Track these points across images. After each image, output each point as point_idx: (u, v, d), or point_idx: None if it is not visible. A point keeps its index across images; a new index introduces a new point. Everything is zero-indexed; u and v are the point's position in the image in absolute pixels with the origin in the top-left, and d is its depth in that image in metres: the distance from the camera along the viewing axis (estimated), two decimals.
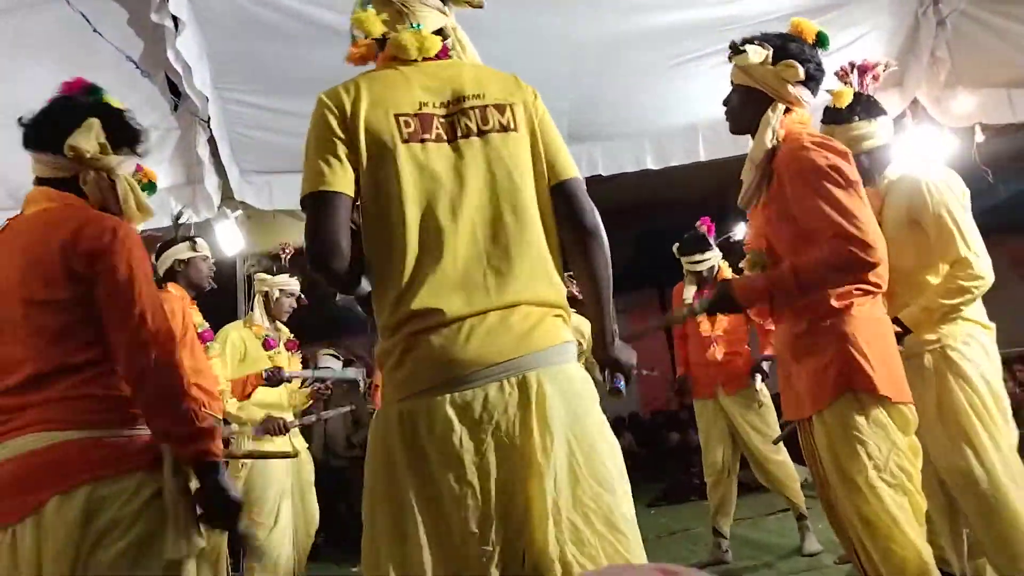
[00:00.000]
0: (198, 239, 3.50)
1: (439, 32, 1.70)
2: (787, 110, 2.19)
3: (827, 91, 2.42)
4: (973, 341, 2.52)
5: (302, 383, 4.03)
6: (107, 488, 1.63)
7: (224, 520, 1.78)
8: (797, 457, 4.49)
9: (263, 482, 3.63)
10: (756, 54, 2.15)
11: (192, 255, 3.42)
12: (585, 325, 4.83)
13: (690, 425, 8.10)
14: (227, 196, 4.75)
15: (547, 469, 1.41)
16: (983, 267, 2.51)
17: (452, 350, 1.45)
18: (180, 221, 3.78)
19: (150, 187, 2.62)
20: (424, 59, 1.65)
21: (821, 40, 2.21)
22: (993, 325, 2.63)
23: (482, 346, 1.45)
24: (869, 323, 2.11)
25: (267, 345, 3.83)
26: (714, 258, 4.46)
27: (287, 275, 4.01)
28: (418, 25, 1.65)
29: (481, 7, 1.75)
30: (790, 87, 2.15)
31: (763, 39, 2.19)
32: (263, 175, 4.80)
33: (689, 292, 4.51)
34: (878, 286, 2.15)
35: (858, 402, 2.06)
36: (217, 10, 3.89)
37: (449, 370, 1.44)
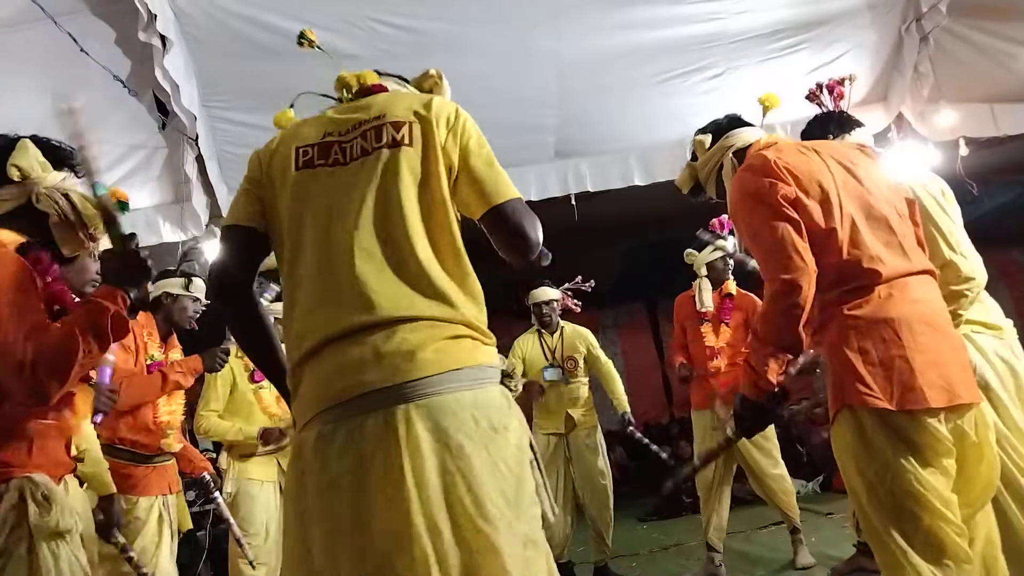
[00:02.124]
0: (196, 278, 3.43)
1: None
2: (742, 152, 2.27)
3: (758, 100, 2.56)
4: (968, 343, 2.40)
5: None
6: None
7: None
8: (793, 471, 4.50)
9: (250, 502, 3.64)
10: (684, 175, 2.46)
11: (181, 293, 3.37)
12: (589, 335, 4.85)
13: (680, 438, 8.09)
14: (215, 215, 4.72)
15: (412, 512, 1.29)
16: (971, 267, 2.46)
17: (323, 380, 1.40)
18: (186, 258, 3.75)
19: (123, 206, 2.63)
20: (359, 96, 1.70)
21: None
22: (1006, 324, 2.55)
23: (349, 376, 1.37)
24: (868, 327, 1.93)
25: (253, 378, 3.76)
26: (730, 245, 4.44)
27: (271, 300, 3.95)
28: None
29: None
30: (712, 150, 2.34)
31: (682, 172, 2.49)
32: None
33: (707, 292, 4.47)
34: (871, 276, 1.97)
35: (854, 418, 1.91)
36: (205, 29, 3.90)
37: (319, 402, 1.40)
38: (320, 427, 1.38)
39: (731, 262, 4.44)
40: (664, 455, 5.28)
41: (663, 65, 4.44)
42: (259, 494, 3.68)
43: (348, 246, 1.44)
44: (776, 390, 2.04)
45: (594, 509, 4.62)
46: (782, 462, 4.33)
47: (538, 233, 1.52)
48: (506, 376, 1.53)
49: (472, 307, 1.46)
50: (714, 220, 4.46)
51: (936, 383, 1.89)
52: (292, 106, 1.86)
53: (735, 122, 2.37)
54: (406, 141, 1.52)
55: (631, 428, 4.91)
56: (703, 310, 4.44)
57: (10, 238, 1.80)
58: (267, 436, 3.62)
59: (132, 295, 1.80)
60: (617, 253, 8.22)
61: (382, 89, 1.71)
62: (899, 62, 4.79)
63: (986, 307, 2.57)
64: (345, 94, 1.72)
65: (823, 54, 4.58)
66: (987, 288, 2.61)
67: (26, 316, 1.68)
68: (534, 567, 1.36)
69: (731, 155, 2.29)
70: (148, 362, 3.21)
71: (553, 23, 4.10)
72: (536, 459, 1.54)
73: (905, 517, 1.83)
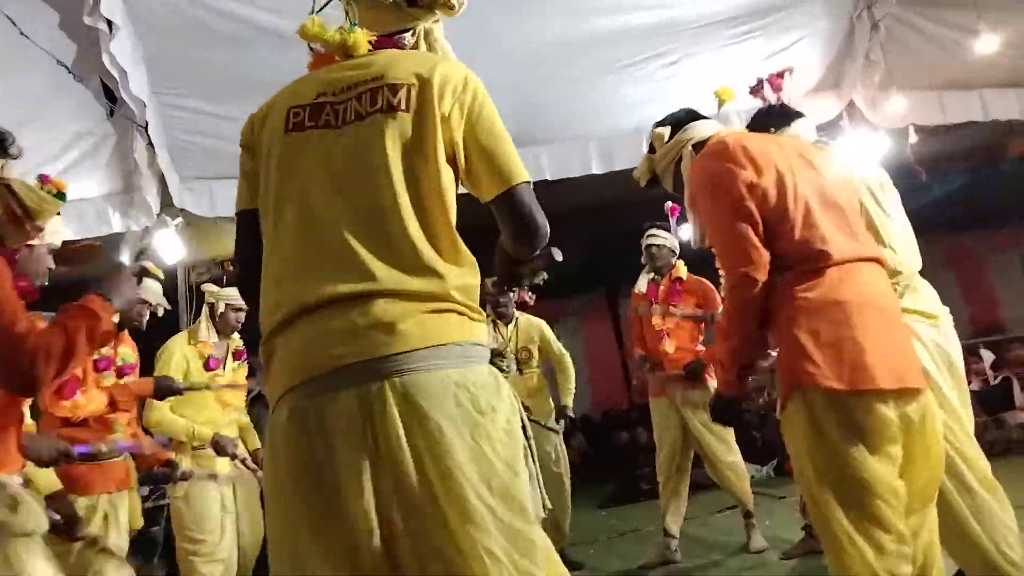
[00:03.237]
0: (147, 279, 3.33)
1: (398, 33, 1.58)
2: (700, 145, 2.29)
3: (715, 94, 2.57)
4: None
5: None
6: None
7: None
8: (747, 455, 4.56)
9: (205, 497, 3.54)
10: (642, 167, 2.45)
11: None
12: (544, 326, 4.84)
13: (639, 424, 8.18)
14: (167, 204, 4.63)
15: (377, 495, 1.24)
16: (900, 260, 2.52)
17: (298, 351, 1.32)
18: (142, 254, 3.67)
19: (60, 196, 2.58)
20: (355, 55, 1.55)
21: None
22: (942, 312, 2.60)
23: (325, 347, 1.29)
24: (819, 308, 1.95)
25: (208, 365, 3.70)
26: (669, 240, 4.53)
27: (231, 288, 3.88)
28: (352, 24, 1.55)
29: (452, 12, 1.62)
30: (671, 143, 2.35)
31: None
32: (204, 181, 4.69)
33: (643, 280, 4.59)
34: (822, 257, 2.00)
35: (806, 402, 1.92)
36: (155, 13, 3.80)
37: (294, 375, 1.32)
38: (291, 404, 1.30)
39: (661, 250, 4.51)
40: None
41: (622, 52, 4.45)
42: (213, 488, 3.58)
43: (330, 215, 1.36)
44: (742, 394, 2.14)
45: (550, 496, 4.59)
46: (736, 448, 4.40)
47: (546, 222, 1.44)
48: (497, 355, 1.50)
49: (461, 280, 1.37)
50: (667, 205, 4.52)
51: (885, 365, 1.92)
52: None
53: (692, 115, 2.40)
54: (402, 106, 1.41)
55: (566, 416, 4.89)
56: (641, 292, 4.57)
57: None
58: (220, 447, 3.54)
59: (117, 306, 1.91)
60: (577, 242, 8.24)
61: (390, 44, 1.57)
62: (851, 49, 4.87)
63: (924, 296, 2.60)
64: (336, 51, 1.57)
65: (777, 41, 4.64)
66: (935, 273, 2.67)
67: (20, 311, 1.71)
68: (529, 570, 1.25)
69: (690, 147, 2.31)
70: (95, 357, 3.14)
71: (512, 10, 4.08)
72: (530, 446, 1.46)
73: (852, 502, 1.85)
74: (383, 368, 1.26)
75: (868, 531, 1.84)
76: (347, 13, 1.59)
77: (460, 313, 1.36)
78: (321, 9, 1.68)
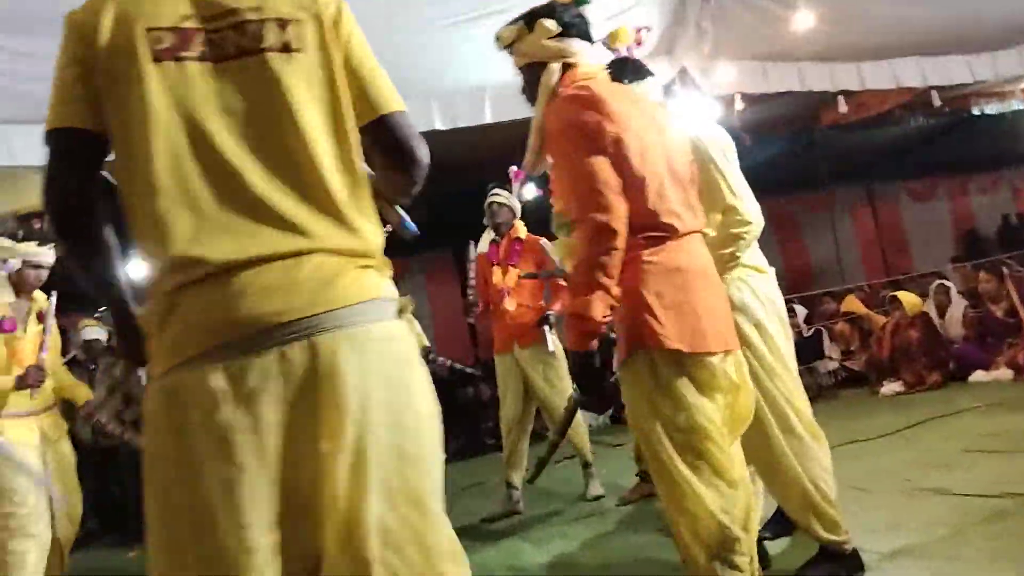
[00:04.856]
0: None
1: None
2: (568, 68, 2.17)
3: (603, 42, 2.48)
4: (744, 285, 2.65)
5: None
6: None
7: None
8: (584, 404, 4.73)
9: (10, 471, 3.23)
10: (510, 32, 2.23)
11: None
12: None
13: (482, 380, 8.33)
14: None
15: (338, 452, 1.21)
16: (750, 211, 2.64)
17: (221, 309, 1.21)
18: None
19: None
20: None
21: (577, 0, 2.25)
22: (771, 269, 2.78)
23: (260, 304, 1.21)
24: (663, 273, 2.04)
25: (3, 327, 3.35)
26: (510, 201, 4.60)
27: (36, 243, 3.49)
28: None
29: None
30: (550, 43, 2.16)
31: (514, 20, 2.23)
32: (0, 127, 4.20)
33: (484, 240, 4.69)
34: (669, 230, 2.07)
35: (649, 359, 2.02)
36: None
37: (218, 334, 1.21)
38: (222, 364, 1.20)
39: (502, 209, 4.60)
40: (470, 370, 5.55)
41: (450, 9, 4.35)
42: (23, 459, 3.26)
43: (244, 165, 1.27)
44: (604, 331, 2.06)
45: None
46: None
47: (426, 154, 1.43)
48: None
49: (378, 237, 1.36)
50: (511, 169, 4.55)
51: (714, 329, 2.08)
52: None
53: (584, 34, 2.20)
54: (295, 46, 1.33)
55: (432, 356, 5.12)
56: (482, 253, 4.68)
57: None
58: (26, 378, 3.27)
59: None
60: (424, 200, 8.15)
61: None
62: (683, 18, 5.03)
63: (756, 251, 2.78)
64: None
65: (615, 4, 4.68)
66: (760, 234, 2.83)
67: None
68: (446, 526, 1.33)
69: (560, 64, 2.17)
70: None
71: None
72: None
73: (693, 450, 1.99)
74: (329, 322, 1.24)
75: (706, 476, 1.98)
76: None
77: (378, 269, 1.36)
78: None
